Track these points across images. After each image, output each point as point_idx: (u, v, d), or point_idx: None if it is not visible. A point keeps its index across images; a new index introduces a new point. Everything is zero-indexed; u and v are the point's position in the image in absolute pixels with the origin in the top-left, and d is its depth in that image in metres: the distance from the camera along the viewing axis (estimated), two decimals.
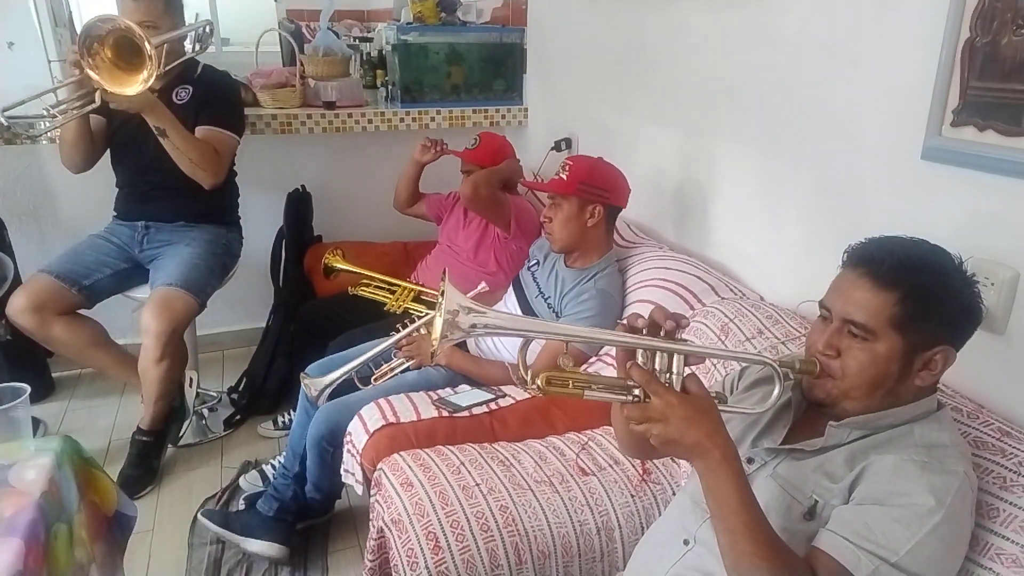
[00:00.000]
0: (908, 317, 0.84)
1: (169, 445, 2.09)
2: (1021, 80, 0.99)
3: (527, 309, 1.75)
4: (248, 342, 2.53)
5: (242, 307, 2.63)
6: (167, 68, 1.87)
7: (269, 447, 2.16)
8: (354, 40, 2.87)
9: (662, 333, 0.83)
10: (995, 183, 1.05)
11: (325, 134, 2.52)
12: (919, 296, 0.84)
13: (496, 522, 1.21)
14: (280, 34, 2.74)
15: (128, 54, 1.68)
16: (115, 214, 2.15)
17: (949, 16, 1.08)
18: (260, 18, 3.14)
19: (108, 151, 2.06)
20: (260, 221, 2.41)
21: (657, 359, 0.82)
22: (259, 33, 2.61)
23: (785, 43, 1.46)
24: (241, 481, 1.94)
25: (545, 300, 1.72)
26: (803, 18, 1.41)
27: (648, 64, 1.97)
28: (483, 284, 1.85)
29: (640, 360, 0.83)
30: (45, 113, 1.75)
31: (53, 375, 2.47)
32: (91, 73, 1.63)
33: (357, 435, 1.48)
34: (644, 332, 0.83)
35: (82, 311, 2.00)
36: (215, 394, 2.39)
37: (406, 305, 2.03)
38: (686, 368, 0.83)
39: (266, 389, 2.30)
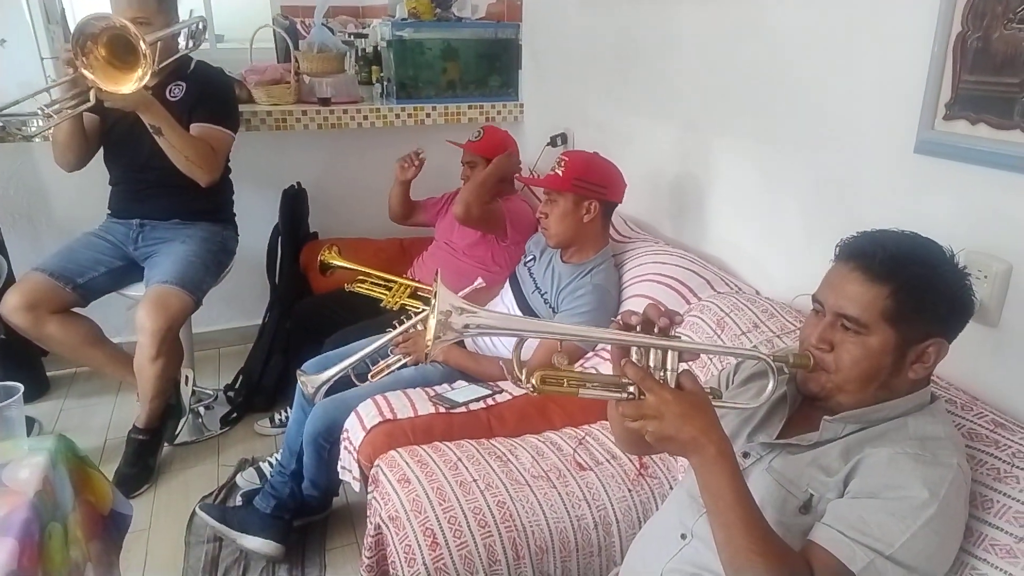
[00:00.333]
0: (900, 310, 0.84)
1: (165, 443, 2.08)
2: (1012, 74, 1.00)
3: (523, 304, 1.75)
4: (244, 340, 2.53)
5: (238, 304, 2.62)
6: (161, 65, 1.86)
7: (266, 445, 2.16)
8: (349, 36, 2.87)
9: (656, 330, 0.83)
10: (987, 176, 1.06)
11: (320, 131, 2.51)
12: (911, 289, 0.84)
13: (494, 518, 1.21)
14: (275, 30, 2.73)
15: (122, 52, 1.67)
16: (109, 212, 2.14)
17: (941, 10, 1.08)
18: (254, 14, 3.12)
19: (101, 149, 2.05)
20: (256, 218, 2.40)
21: (651, 356, 0.83)
22: (253, 30, 2.60)
23: (779, 37, 1.47)
24: (238, 479, 1.94)
25: (542, 295, 1.72)
26: (796, 12, 1.41)
27: (644, 59, 1.97)
28: (479, 280, 1.85)
29: (634, 357, 0.83)
30: (40, 112, 1.73)
31: (48, 374, 2.46)
32: (85, 72, 1.62)
33: (354, 432, 1.48)
34: (638, 329, 0.83)
35: (77, 309, 1.98)
36: (211, 392, 2.38)
37: (402, 302, 2.03)
38: (680, 364, 0.83)
39: (262, 386, 2.30)
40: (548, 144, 2.44)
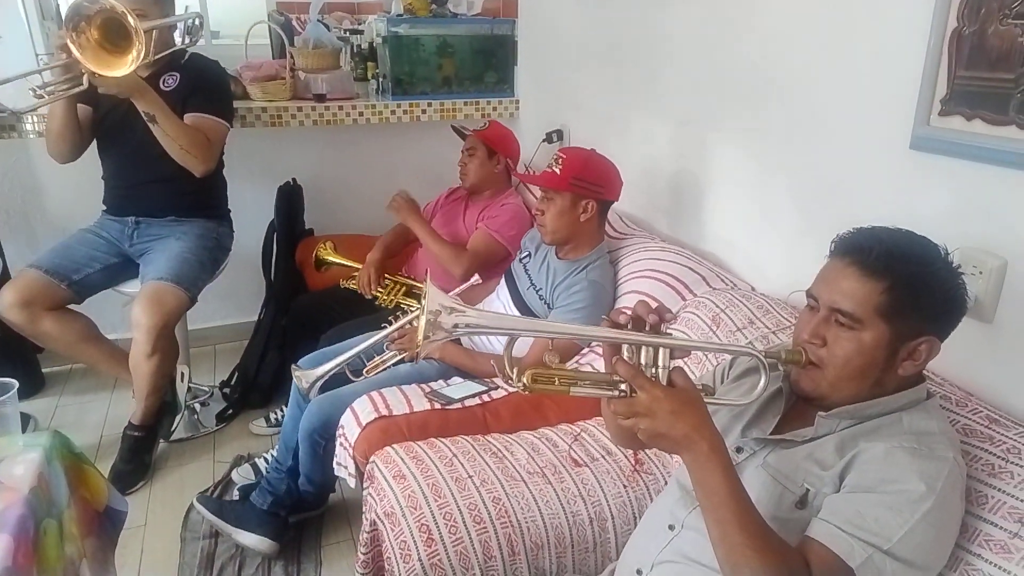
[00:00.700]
0: (894, 306, 0.84)
1: (161, 440, 2.08)
2: (1008, 69, 1.00)
3: (519, 301, 1.74)
4: (240, 336, 2.52)
5: (234, 301, 2.62)
6: (155, 57, 1.85)
7: (261, 441, 2.16)
8: (344, 32, 2.85)
9: (647, 328, 0.83)
10: (983, 172, 1.06)
11: (316, 127, 2.51)
12: (906, 286, 0.84)
13: (489, 514, 1.22)
14: (270, 27, 2.71)
15: (115, 36, 1.66)
16: (104, 208, 2.13)
17: (936, 6, 1.08)
18: (250, 11, 3.10)
19: (95, 142, 2.04)
20: (251, 215, 2.39)
21: (643, 353, 0.82)
22: (249, 26, 2.59)
23: (773, 32, 1.46)
24: (234, 474, 1.94)
25: (537, 292, 1.72)
26: (791, 7, 1.41)
27: (639, 55, 1.97)
28: (476, 277, 1.85)
29: (626, 355, 0.83)
30: (32, 93, 1.72)
31: (43, 370, 2.46)
32: (75, 51, 1.61)
33: (349, 428, 1.48)
34: (628, 327, 0.83)
35: (72, 306, 1.98)
36: (207, 388, 2.38)
37: (397, 299, 2.03)
38: (672, 362, 0.83)
39: (258, 383, 2.29)
40: (544, 140, 2.44)
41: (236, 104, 2.25)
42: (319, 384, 1.56)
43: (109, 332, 2.11)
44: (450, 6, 2.65)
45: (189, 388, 2.22)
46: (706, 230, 1.78)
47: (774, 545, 0.78)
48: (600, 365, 1.55)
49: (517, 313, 1.73)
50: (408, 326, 1.67)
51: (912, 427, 0.87)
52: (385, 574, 1.24)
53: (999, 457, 0.92)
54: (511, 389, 1.58)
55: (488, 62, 2.72)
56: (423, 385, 1.60)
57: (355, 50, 2.82)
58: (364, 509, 1.34)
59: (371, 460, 1.37)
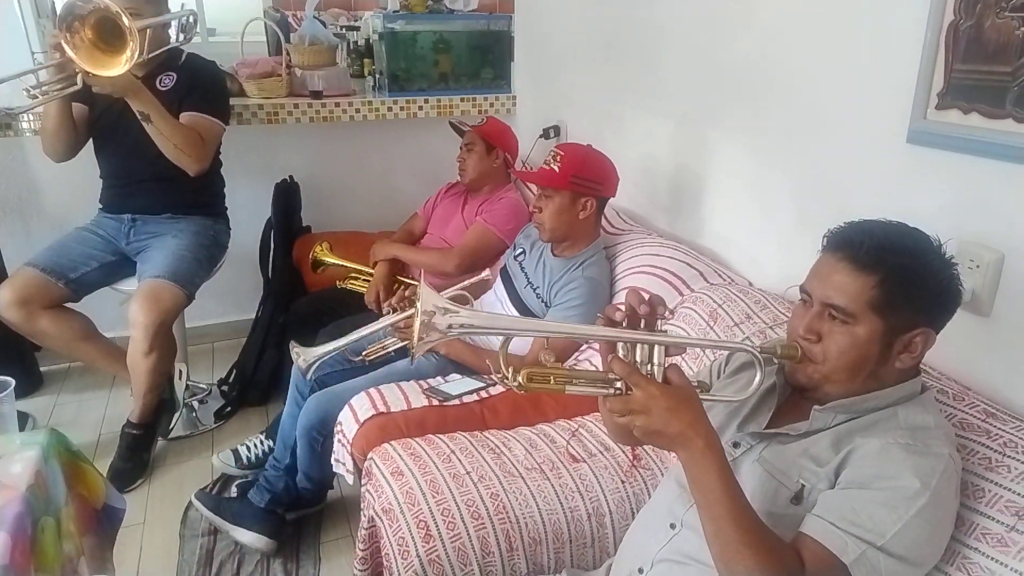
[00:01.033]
0: (887, 299, 0.84)
1: (159, 438, 2.08)
2: (1005, 62, 0.99)
3: (516, 300, 1.74)
4: (238, 333, 2.52)
5: (231, 298, 2.61)
6: (150, 55, 1.84)
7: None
8: (341, 29, 2.84)
9: (642, 323, 0.83)
10: (980, 166, 1.06)
11: (312, 124, 2.50)
12: (898, 278, 0.84)
13: (487, 510, 1.22)
14: (266, 23, 2.70)
15: (109, 36, 1.66)
16: (101, 206, 2.12)
17: None
18: (246, 8, 3.09)
19: (92, 140, 2.04)
20: (248, 212, 2.38)
21: (638, 351, 0.82)
22: (245, 23, 2.58)
23: (770, 26, 1.46)
24: (214, 459, 1.93)
25: (534, 290, 1.71)
26: (790, 1, 1.40)
27: (636, 50, 1.96)
28: (486, 271, 1.82)
29: (621, 352, 0.83)
30: (26, 93, 1.72)
31: (41, 369, 2.46)
32: (70, 51, 1.60)
33: (347, 425, 1.48)
34: (624, 324, 0.83)
35: (69, 304, 1.98)
36: (205, 386, 2.38)
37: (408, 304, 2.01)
38: (668, 359, 0.83)
39: (256, 380, 2.29)
40: (541, 136, 2.44)
41: (232, 101, 2.24)
42: (317, 364, 1.52)
43: (107, 330, 2.10)
44: (446, 2, 2.64)
45: (187, 386, 2.22)
46: (703, 225, 1.77)
47: (769, 542, 0.78)
48: (598, 361, 1.56)
49: (514, 311, 1.73)
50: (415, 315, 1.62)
51: (907, 422, 0.86)
52: (384, 571, 1.24)
53: (996, 451, 0.92)
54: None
55: (485, 58, 2.71)
56: (421, 382, 1.60)
57: (351, 46, 2.81)
58: (362, 506, 1.34)
59: (369, 457, 1.37)
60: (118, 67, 1.65)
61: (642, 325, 0.83)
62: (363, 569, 1.30)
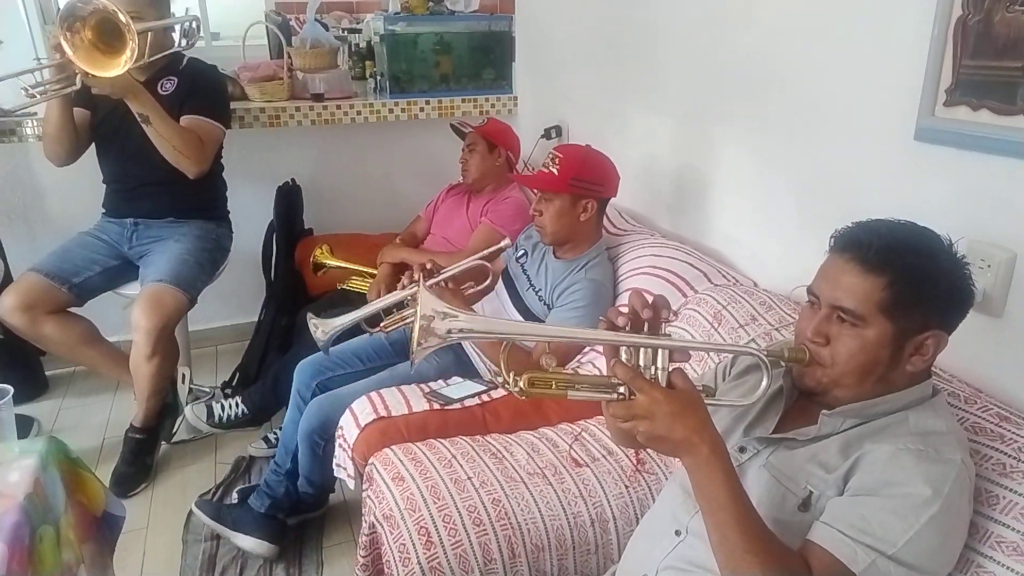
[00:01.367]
0: (897, 301, 0.82)
1: (162, 442, 2.08)
2: (1015, 57, 0.97)
3: (519, 303, 1.72)
4: (241, 336, 2.52)
5: (235, 301, 2.61)
6: (151, 59, 1.85)
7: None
8: (343, 32, 2.84)
9: (645, 327, 0.81)
10: (991, 163, 1.03)
11: (314, 126, 2.50)
12: (908, 280, 0.82)
13: (489, 516, 1.20)
14: (267, 27, 2.70)
15: (109, 37, 1.66)
16: (104, 211, 2.13)
17: None
18: (248, 11, 3.10)
19: (94, 145, 2.04)
20: (250, 215, 2.38)
21: (641, 355, 0.81)
22: (246, 27, 2.58)
23: (772, 24, 1.44)
24: (187, 410, 2.00)
25: (536, 293, 1.70)
26: None
27: (637, 49, 1.94)
28: (506, 239, 1.76)
29: (624, 356, 0.81)
30: (24, 92, 1.72)
31: (47, 373, 2.46)
32: (68, 50, 1.60)
33: (348, 429, 1.47)
34: (627, 328, 0.81)
35: (73, 309, 1.98)
36: (208, 389, 2.37)
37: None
38: (671, 363, 0.81)
39: (259, 384, 2.28)
40: (542, 136, 2.42)
41: (234, 105, 2.24)
42: (334, 336, 1.50)
43: (110, 335, 2.11)
44: (447, 3, 2.63)
45: (191, 389, 2.22)
46: (707, 225, 1.75)
47: (775, 550, 0.77)
48: (602, 363, 1.54)
49: (516, 314, 1.71)
50: (439, 285, 1.56)
51: (918, 427, 0.84)
52: None
53: (1010, 456, 0.90)
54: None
55: (486, 59, 2.70)
56: (422, 385, 1.59)
57: (353, 49, 2.81)
58: (363, 511, 1.33)
59: (370, 462, 1.36)
60: (117, 68, 1.65)
61: (645, 328, 0.82)
62: (365, 575, 1.29)
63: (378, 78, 2.66)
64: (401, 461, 1.31)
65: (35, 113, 2.15)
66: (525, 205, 2.09)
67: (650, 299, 0.82)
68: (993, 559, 0.83)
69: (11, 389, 1.13)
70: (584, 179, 1.60)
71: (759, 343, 1.29)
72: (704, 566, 0.87)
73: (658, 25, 1.83)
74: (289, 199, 2.44)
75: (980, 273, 1.02)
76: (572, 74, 2.32)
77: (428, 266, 1.54)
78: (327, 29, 2.63)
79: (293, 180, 2.48)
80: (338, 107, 2.49)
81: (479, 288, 1.67)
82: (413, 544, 1.16)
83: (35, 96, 1.74)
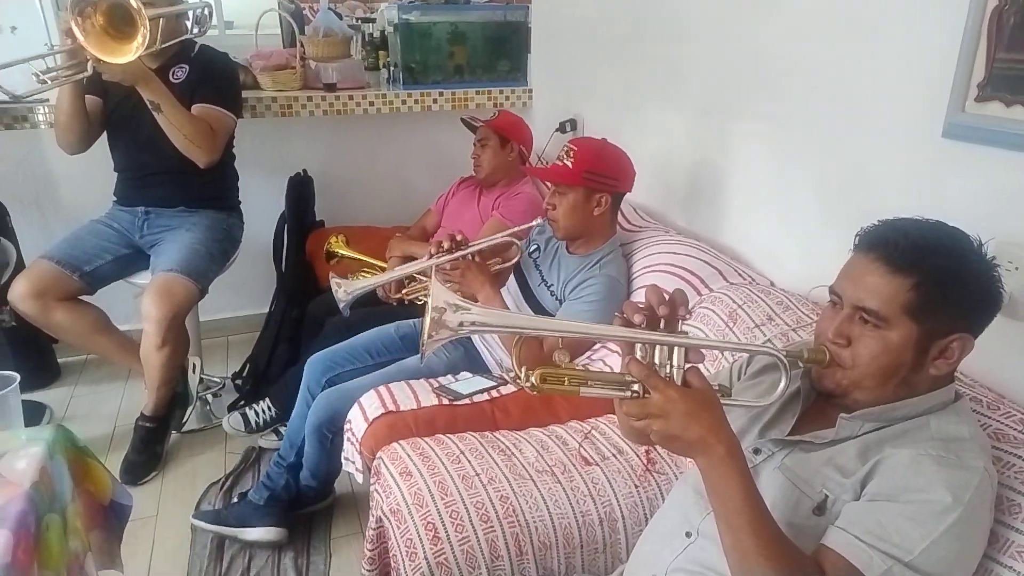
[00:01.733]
0: (923, 303, 0.80)
1: (173, 431, 2.08)
2: None
3: (530, 298, 1.70)
4: (252, 327, 2.52)
5: (246, 292, 2.62)
6: (163, 46, 1.84)
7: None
8: (356, 21, 2.82)
9: (660, 322, 0.79)
10: (1022, 162, 1.00)
11: (326, 117, 2.48)
12: (935, 281, 0.80)
13: (496, 513, 1.19)
14: (280, 15, 2.69)
15: (120, 22, 1.66)
16: (115, 199, 2.13)
17: None
18: (263, 0, 3.09)
19: (105, 134, 2.03)
20: (262, 206, 2.38)
21: (657, 352, 0.79)
22: (259, 15, 2.56)
23: (797, 17, 1.40)
24: (224, 423, 2.00)
25: (548, 288, 1.67)
26: None
27: (656, 42, 1.91)
28: (538, 219, 1.70)
29: (639, 354, 0.79)
30: (35, 78, 1.72)
31: (59, 361, 2.48)
32: (80, 36, 1.60)
33: (356, 423, 1.46)
34: (643, 325, 0.79)
35: (84, 297, 1.99)
36: (219, 380, 2.38)
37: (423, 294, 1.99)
38: (687, 362, 0.79)
39: (269, 375, 2.28)
40: (557, 130, 2.39)
41: (246, 94, 2.23)
42: (354, 297, 1.52)
43: (121, 323, 2.11)
44: None
45: (201, 379, 2.22)
46: (723, 222, 1.72)
47: (789, 554, 0.75)
48: (612, 360, 1.52)
49: (527, 309, 1.69)
50: (464, 260, 1.58)
51: (940, 432, 0.82)
52: (391, 572, 1.22)
53: None
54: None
55: (501, 50, 2.67)
56: (431, 380, 1.58)
57: (366, 38, 2.79)
58: (371, 505, 1.32)
59: (378, 456, 1.35)
60: (128, 54, 1.64)
61: (662, 325, 0.80)
62: (371, 569, 1.28)
63: (391, 68, 2.65)
64: (409, 456, 1.30)
65: (47, 100, 2.15)
66: (538, 200, 2.07)
67: (667, 296, 0.80)
68: (1013, 569, 0.81)
69: (18, 376, 1.13)
70: (598, 172, 1.58)
71: (775, 343, 1.26)
72: (715, 568, 0.86)
73: (679, 17, 1.79)
74: (300, 190, 2.43)
75: (1007, 275, 0.98)
76: (589, 67, 2.29)
77: (458, 238, 1.52)
78: (340, 18, 2.62)
79: (304, 171, 2.47)
80: (350, 97, 2.47)
81: (506, 265, 1.65)
82: (420, 539, 1.15)
83: (46, 82, 1.74)
